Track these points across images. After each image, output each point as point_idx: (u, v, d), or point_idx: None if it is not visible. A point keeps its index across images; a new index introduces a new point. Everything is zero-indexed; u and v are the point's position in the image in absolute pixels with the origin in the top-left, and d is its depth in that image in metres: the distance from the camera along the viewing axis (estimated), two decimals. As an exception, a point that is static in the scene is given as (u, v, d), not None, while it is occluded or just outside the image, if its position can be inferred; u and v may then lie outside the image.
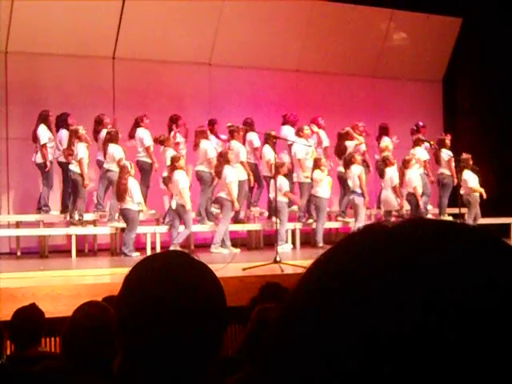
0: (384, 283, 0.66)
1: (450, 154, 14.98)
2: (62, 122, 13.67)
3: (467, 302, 0.64)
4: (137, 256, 12.22)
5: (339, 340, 0.65)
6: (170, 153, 13.56)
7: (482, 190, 14.70)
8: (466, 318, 0.63)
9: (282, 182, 13.51)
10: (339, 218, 14.88)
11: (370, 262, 0.67)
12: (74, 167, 13.17)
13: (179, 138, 14.19)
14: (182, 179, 12.93)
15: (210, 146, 13.83)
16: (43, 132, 13.30)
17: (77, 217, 13.21)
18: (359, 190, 14.10)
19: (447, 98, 18.30)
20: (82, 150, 13.07)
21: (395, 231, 0.70)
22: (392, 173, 14.38)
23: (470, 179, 14.73)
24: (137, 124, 13.87)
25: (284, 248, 13.37)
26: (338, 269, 0.69)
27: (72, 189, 13.33)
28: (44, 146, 13.27)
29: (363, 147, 15.00)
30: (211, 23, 15.48)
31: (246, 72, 15.88)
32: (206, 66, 15.88)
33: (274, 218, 13.82)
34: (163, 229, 13.35)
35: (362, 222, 13.95)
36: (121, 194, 12.69)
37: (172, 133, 14.07)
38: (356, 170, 14.14)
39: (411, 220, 0.72)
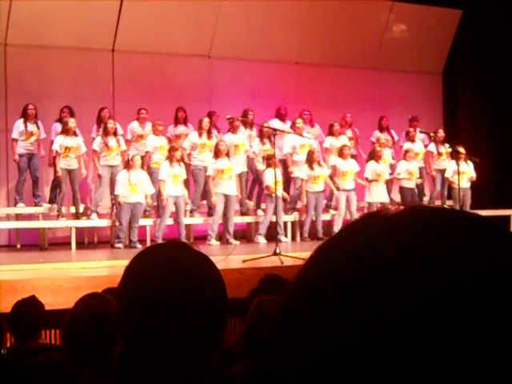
0: (387, 273, 0.65)
1: (432, 148, 15.33)
2: (60, 115, 13.74)
3: (476, 291, 0.64)
4: (120, 247, 12.64)
5: (342, 331, 0.65)
6: (149, 138, 13.73)
7: (453, 180, 14.66)
8: (474, 308, 0.63)
9: (266, 175, 13.64)
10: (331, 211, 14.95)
11: (371, 250, 0.67)
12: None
13: (181, 131, 14.28)
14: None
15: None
16: (16, 126, 13.33)
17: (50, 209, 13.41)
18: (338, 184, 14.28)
19: (447, 91, 18.29)
20: (57, 141, 13.11)
21: (396, 219, 0.70)
22: (368, 165, 14.51)
23: (448, 169, 14.81)
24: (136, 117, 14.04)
25: (259, 239, 13.47)
26: (339, 259, 0.69)
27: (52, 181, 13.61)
28: (14, 140, 13.32)
29: (344, 140, 15.00)
30: (210, 15, 15.46)
31: (246, 64, 15.86)
32: (205, 58, 15.87)
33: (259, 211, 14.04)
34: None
35: (341, 214, 14.09)
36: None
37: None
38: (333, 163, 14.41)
39: (411, 208, 0.72)
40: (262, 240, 13.58)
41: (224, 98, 15.34)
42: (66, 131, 13.09)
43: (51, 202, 13.60)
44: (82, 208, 13.49)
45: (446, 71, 18.29)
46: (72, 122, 13.10)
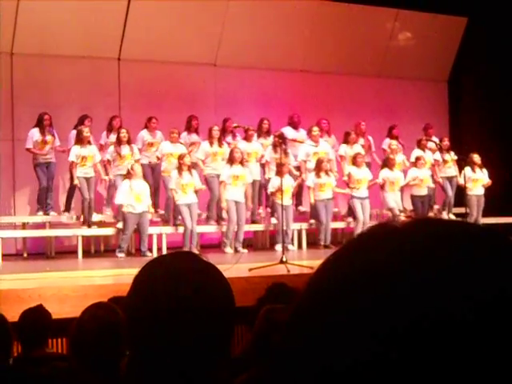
0: (396, 284, 0.65)
1: (437, 157, 15.37)
2: (78, 123, 13.77)
3: (483, 304, 0.64)
4: (122, 257, 12.59)
5: (350, 343, 0.65)
6: (163, 145, 13.83)
7: (467, 187, 14.67)
8: (484, 322, 0.63)
9: (270, 183, 13.80)
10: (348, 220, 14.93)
11: (381, 261, 0.67)
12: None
13: (194, 139, 14.32)
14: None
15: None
16: (30, 135, 13.36)
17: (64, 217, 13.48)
18: (352, 192, 14.22)
19: (453, 98, 18.28)
20: (73, 151, 13.14)
21: (403, 231, 0.70)
22: (381, 172, 14.50)
23: (462, 176, 14.84)
24: (145, 125, 14.03)
25: (276, 247, 13.46)
26: (347, 271, 0.69)
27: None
28: (28, 149, 13.37)
29: (358, 149, 14.97)
30: (216, 24, 15.48)
31: (252, 72, 15.88)
32: (211, 66, 15.88)
33: (272, 219, 14.09)
34: (169, 229, 13.42)
35: (359, 222, 14.06)
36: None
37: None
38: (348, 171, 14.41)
39: (418, 220, 0.72)
40: (279, 248, 13.52)
41: (230, 106, 15.34)
42: (81, 141, 13.13)
43: (67, 210, 13.66)
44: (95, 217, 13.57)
45: (452, 79, 18.29)
46: (86, 132, 13.15)
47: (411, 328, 0.63)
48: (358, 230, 13.84)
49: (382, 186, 14.42)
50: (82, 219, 13.39)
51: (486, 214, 14.94)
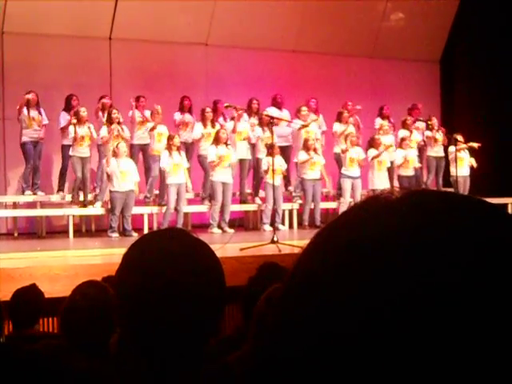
0: (391, 255, 0.65)
1: (428, 134, 15.45)
2: (66, 103, 13.71)
3: (477, 272, 0.63)
4: (116, 237, 12.62)
5: (343, 319, 0.64)
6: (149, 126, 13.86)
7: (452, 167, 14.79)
8: (476, 289, 0.63)
9: (263, 163, 13.80)
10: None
11: (376, 233, 0.67)
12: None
13: (188, 119, 14.31)
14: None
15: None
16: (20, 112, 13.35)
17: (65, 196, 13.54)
18: (343, 171, 14.24)
19: (444, 78, 18.27)
20: (71, 132, 13.12)
21: (400, 203, 0.69)
22: (369, 153, 14.51)
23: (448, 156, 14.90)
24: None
25: (265, 228, 13.44)
26: (341, 245, 0.68)
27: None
28: (19, 119, 13.34)
29: (351, 128, 14.96)
30: (208, 3, 15.42)
31: (243, 52, 15.84)
32: (202, 46, 15.83)
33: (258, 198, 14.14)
34: (155, 209, 13.45)
35: (346, 202, 14.05)
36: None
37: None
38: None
39: (413, 192, 0.72)
40: (267, 228, 13.50)
41: (221, 86, 15.32)
42: (78, 120, 13.10)
43: (60, 189, 13.67)
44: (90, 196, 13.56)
45: (444, 59, 18.26)
46: (83, 111, 13.13)
47: (408, 301, 0.63)
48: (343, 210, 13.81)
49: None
50: (72, 198, 13.40)
51: (477, 194, 14.91)
